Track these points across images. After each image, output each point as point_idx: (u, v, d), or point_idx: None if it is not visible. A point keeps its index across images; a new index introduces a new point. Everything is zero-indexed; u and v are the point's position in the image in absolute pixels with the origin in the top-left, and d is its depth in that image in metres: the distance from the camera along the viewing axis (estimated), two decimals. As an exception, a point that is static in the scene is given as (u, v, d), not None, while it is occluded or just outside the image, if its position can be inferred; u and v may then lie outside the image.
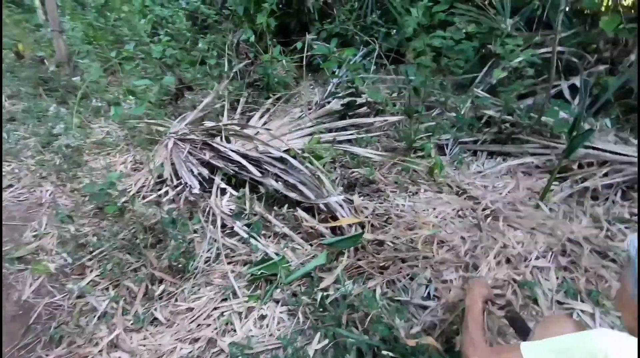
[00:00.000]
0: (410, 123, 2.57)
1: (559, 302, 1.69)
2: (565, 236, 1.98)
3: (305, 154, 2.15)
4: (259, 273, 1.83)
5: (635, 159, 2.35)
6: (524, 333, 1.30)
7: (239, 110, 3.36)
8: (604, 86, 3.16)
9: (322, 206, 2.12)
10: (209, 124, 2.77)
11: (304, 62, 3.62)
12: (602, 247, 1.94)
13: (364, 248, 1.96)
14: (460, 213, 2.23)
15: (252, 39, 3.81)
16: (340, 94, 2.95)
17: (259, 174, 2.32)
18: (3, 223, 2.21)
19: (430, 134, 2.86)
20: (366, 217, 2.13)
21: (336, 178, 2.45)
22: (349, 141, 2.83)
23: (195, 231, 2.16)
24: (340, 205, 2.10)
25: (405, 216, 2.17)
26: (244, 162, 2.39)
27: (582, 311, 1.66)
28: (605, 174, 2.38)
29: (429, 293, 1.76)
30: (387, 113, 2.98)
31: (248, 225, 2.15)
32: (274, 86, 3.55)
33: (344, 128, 2.90)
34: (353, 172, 2.47)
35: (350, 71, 2.89)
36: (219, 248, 2.03)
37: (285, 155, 2.31)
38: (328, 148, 2.42)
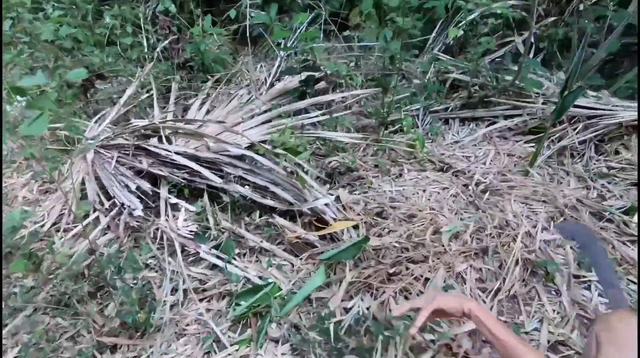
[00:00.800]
0: (383, 97, 2.27)
1: (575, 276, 1.60)
2: (562, 202, 1.90)
3: (279, 151, 1.74)
4: (247, 309, 1.45)
5: (603, 111, 2.35)
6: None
7: (172, 99, 2.76)
8: (551, 39, 3.16)
9: (305, 209, 1.77)
10: (138, 122, 2.19)
11: (246, 34, 3.07)
12: (595, 208, 1.89)
13: (364, 254, 1.68)
14: (452, 191, 2.04)
15: (172, 8, 3.12)
16: (297, 69, 2.52)
17: (218, 179, 1.87)
18: None
19: (399, 106, 2.60)
20: (358, 214, 1.83)
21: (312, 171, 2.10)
22: (313, 124, 2.45)
23: (148, 266, 1.68)
24: (326, 204, 1.77)
25: (399, 206, 1.91)
26: (195, 166, 1.91)
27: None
28: (576, 130, 2.35)
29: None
30: (351, 87, 2.64)
31: (217, 246, 1.73)
32: (210, 66, 2.97)
33: (305, 109, 2.51)
34: (330, 161, 2.12)
35: (303, 41, 2.45)
36: (185, 283, 1.59)
37: (248, 152, 1.88)
38: (297, 135, 2.03)
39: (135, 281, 1.53)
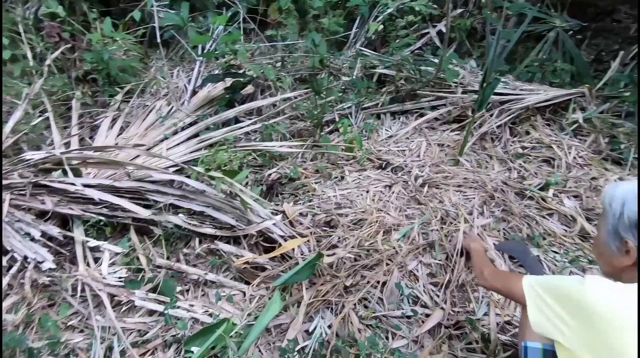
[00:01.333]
0: (316, 99, 2.21)
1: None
2: (491, 186, 2.05)
3: (214, 173, 1.57)
4: (201, 356, 1.30)
5: (512, 96, 2.58)
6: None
7: (74, 120, 2.37)
8: (460, 30, 3.39)
9: (252, 231, 1.64)
10: (33, 154, 1.83)
11: (156, 38, 2.74)
12: (517, 188, 2.07)
13: (318, 270, 1.61)
14: (394, 188, 2.07)
15: (60, 11, 2.66)
16: (219, 76, 2.32)
17: (145, 211, 1.65)
18: None
19: (331, 105, 2.57)
20: (307, 228, 1.76)
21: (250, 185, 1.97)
22: (246, 133, 2.31)
23: (69, 328, 1.42)
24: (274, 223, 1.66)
25: (346, 212, 1.88)
26: (114, 199, 1.66)
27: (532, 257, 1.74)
28: (492, 116, 2.55)
29: (402, 296, 1.56)
30: (280, 90, 2.53)
31: (154, 289, 1.53)
32: (117, 76, 2.61)
33: (235, 119, 2.34)
34: (270, 174, 2.01)
35: (224, 44, 2.26)
36: (120, 340, 1.38)
37: (178, 177, 1.68)
38: (230, 149, 1.88)
39: (55, 352, 1.28)
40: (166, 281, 1.54)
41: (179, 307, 1.48)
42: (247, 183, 1.98)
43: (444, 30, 3.27)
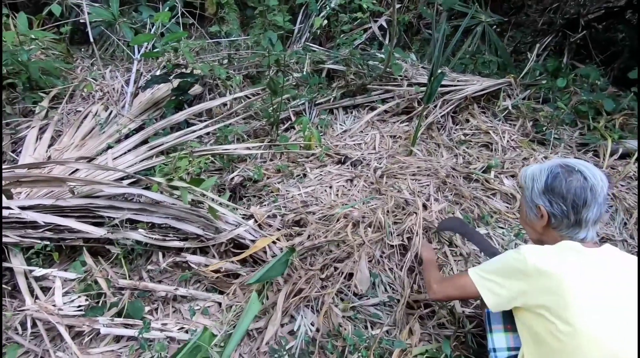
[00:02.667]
0: (272, 98, 2.17)
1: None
2: (442, 173, 2.21)
3: (178, 183, 1.48)
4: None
5: (452, 87, 2.79)
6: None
7: (-8, 132, 2.06)
8: (399, 24, 3.55)
9: (222, 239, 1.59)
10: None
11: (83, 35, 2.47)
12: (464, 172, 2.27)
13: (292, 267, 1.62)
14: (356, 182, 2.14)
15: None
16: (163, 76, 2.17)
17: (98, 230, 1.51)
18: None
19: (285, 102, 2.55)
20: (278, 229, 1.75)
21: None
22: (199, 137, 2.20)
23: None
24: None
25: (314, 210, 1.90)
26: (58, 220, 1.50)
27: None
28: (437, 107, 2.74)
29: (374, 283, 1.64)
30: (230, 89, 2.44)
31: (120, 313, 1.42)
32: (40, 80, 2.31)
33: (186, 122, 2.22)
34: (233, 177, 1.95)
35: (166, 42, 2.11)
36: (89, 373, 1.26)
37: (133, 189, 1.56)
38: (187, 156, 1.78)
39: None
40: (132, 303, 1.43)
41: (151, 328, 1.39)
42: (208, 190, 1.90)
43: (384, 25, 3.41)
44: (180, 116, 2.16)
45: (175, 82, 2.19)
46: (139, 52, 2.53)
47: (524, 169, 1.12)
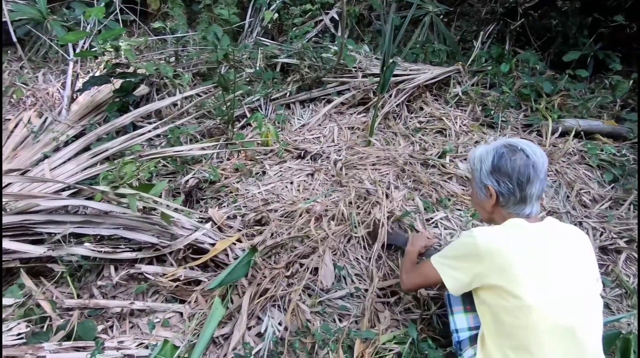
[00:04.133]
0: (224, 95, 2.09)
1: (427, 220, 1.95)
2: (401, 161, 2.25)
3: (126, 191, 1.37)
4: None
5: (405, 77, 2.84)
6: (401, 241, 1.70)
7: None
8: (350, 16, 3.57)
9: (179, 246, 1.51)
10: None
11: (8, 35, 2.23)
12: (421, 159, 2.32)
13: (256, 268, 1.58)
14: (316, 176, 2.12)
15: None
16: (104, 77, 2.01)
17: (37, 248, 1.38)
18: None
19: (239, 99, 2.47)
20: (238, 230, 1.69)
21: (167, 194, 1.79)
22: (148, 140, 2.07)
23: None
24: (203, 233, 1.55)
25: (275, 207, 1.86)
26: (-10, 241, 1.34)
27: (441, 218, 1.98)
28: (391, 96, 2.79)
29: (340, 276, 1.63)
30: (179, 88, 2.32)
31: (69, 335, 1.30)
32: (-42, 87, 2.06)
33: (133, 125, 2.08)
34: (187, 180, 1.85)
35: (103, 40, 1.96)
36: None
37: (75, 201, 1.43)
38: (136, 161, 1.67)
39: None
40: (83, 323, 1.32)
41: (105, 348, 1.29)
42: (160, 195, 1.79)
43: (336, 17, 3.41)
44: (125, 119, 2.02)
45: (118, 83, 2.04)
46: (74, 52, 2.33)
47: (472, 151, 1.16)
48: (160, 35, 2.75)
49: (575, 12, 3.34)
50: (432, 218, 1.95)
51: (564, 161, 2.40)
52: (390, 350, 1.29)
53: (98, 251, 1.44)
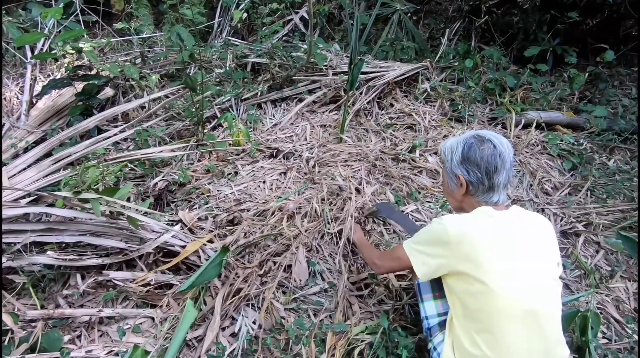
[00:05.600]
0: (192, 96, 2.06)
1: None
2: (372, 157, 2.29)
3: (89, 195, 1.33)
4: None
5: (375, 74, 2.89)
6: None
7: None
8: (320, 15, 3.59)
9: (148, 249, 1.48)
10: None
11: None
12: (392, 154, 2.37)
13: (229, 268, 1.57)
14: (289, 174, 2.13)
15: None
16: (65, 80, 1.94)
17: (-4, 259, 1.32)
18: None
19: (209, 100, 2.45)
20: (211, 231, 1.68)
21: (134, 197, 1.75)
22: (115, 143, 2.02)
23: None
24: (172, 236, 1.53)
25: (247, 206, 1.86)
26: (-57, 254, 1.28)
27: (412, 210, 2.03)
28: (362, 93, 2.83)
29: (314, 272, 1.65)
30: (146, 89, 2.27)
31: (33, 348, 1.26)
32: None
33: (97, 128, 2.02)
34: (156, 183, 1.82)
35: (63, 42, 1.89)
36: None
37: (35, 209, 1.38)
38: (100, 165, 1.62)
39: None
40: (48, 334, 1.28)
41: (73, 358, 1.26)
42: (128, 198, 1.76)
43: (306, 16, 3.42)
44: (89, 123, 1.96)
45: (80, 86, 1.98)
46: (32, 55, 2.24)
47: (443, 143, 1.20)
48: (125, 37, 2.68)
49: (535, 9, 3.49)
50: (403, 211, 1.99)
51: (527, 152, 2.51)
52: (363, 341, 1.32)
53: (62, 260, 1.40)
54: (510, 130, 2.66)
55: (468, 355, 1.02)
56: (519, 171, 2.35)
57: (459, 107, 2.82)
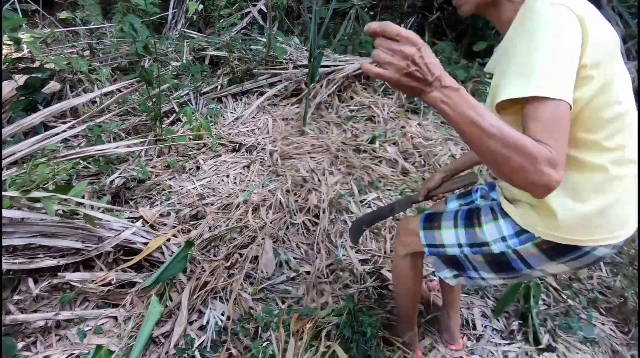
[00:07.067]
0: (148, 90, 2.00)
1: (361, 201, 2.07)
2: (334, 148, 2.35)
3: (40, 194, 1.26)
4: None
5: (335, 67, 2.94)
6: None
7: None
8: (279, 8, 3.58)
9: (107, 248, 1.43)
10: None
11: None
12: (354, 145, 2.45)
13: (194, 262, 1.56)
14: (252, 167, 2.13)
15: None
16: (3, 72, 1.80)
17: None
18: None
19: (165, 94, 2.37)
20: (174, 227, 1.65)
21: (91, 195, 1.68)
22: (64, 140, 1.91)
23: None
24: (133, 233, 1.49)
25: (211, 201, 1.85)
26: None
27: (373, 198, 2.12)
28: (322, 86, 2.87)
29: (280, 262, 1.68)
30: (97, 83, 2.16)
31: (-17, 356, 1.18)
32: None
33: (44, 125, 1.90)
34: (112, 180, 1.75)
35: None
36: None
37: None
38: (50, 163, 1.54)
39: None
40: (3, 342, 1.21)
41: (30, 364, 1.20)
42: (83, 196, 1.68)
43: (264, 9, 3.40)
44: (34, 119, 1.83)
45: (22, 80, 1.85)
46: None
47: None
48: (70, 27, 2.52)
49: (481, 6, 3.71)
50: (365, 200, 2.07)
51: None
52: (330, 323, 1.37)
53: (12, 263, 1.32)
54: (462, 120, 2.83)
55: (591, 168, 0.76)
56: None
57: (415, 99, 2.95)
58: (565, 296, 1.67)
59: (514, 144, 0.60)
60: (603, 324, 1.57)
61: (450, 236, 0.99)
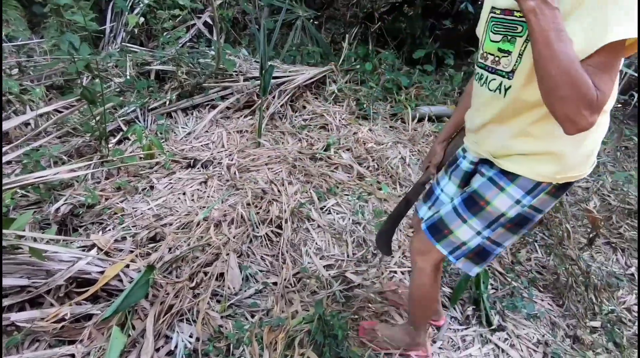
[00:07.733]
0: (92, 109, 1.89)
1: (321, 208, 2.13)
2: (291, 158, 2.39)
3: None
4: None
5: (286, 78, 3.00)
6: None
7: None
8: (225, 20, 3.57)
9: (59, 282, 1.34)
10: None
11: None
12: (310, 153, 2.51)
13: (157, 286, 1.51)
14: (210, 183, 2.10)
15: None
16: None
17: None
18: None
19: (110, 112, 2.26)
20: (131, 252, 1.58)
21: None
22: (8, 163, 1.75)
23: None
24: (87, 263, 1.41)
25: (169, 221, 1.79)
26: None
27: (333, 204, 2.19)
28: (275, 97, 2.91)
29: (247, 276, 1.68)
30: (29, 104, 2.01)
31: None
32: None
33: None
34: (58, 208, 1.63)
35: None
36: None
37: None
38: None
39: None
40: (-64, 400, 1.08)
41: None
42: (24, 229, 1.55)
43: (209, 21, 3.36)
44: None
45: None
46: None
47: None
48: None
49: (418, 16, 4.00)
50: (325, 206, 2.14)
51: (423, 142, 2.88)
52: (301, 331, 1.40)
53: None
54: (409, 124, 3.02)
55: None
56: (419, 160, 2.69)
57: (364, 106, 3.09)
58: (509, 279, 1.86)
59: (570, 79, 0.63)
60: (542, 300, 1.77)
61: (466, 231, 0.98)
